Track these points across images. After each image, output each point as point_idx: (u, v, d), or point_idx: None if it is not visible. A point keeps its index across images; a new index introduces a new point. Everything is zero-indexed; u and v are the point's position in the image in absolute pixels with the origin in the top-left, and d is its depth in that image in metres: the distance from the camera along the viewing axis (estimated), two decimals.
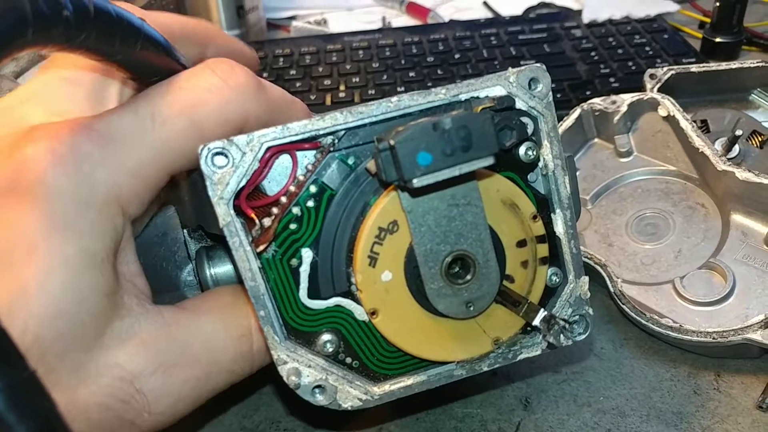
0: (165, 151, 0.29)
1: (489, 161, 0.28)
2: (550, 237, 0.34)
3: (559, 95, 0.69)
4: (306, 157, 0.31)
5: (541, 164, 0.33)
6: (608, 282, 0.46)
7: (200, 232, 0.38)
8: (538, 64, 0.32)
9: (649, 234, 0.51)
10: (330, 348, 0.32)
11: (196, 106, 0.29)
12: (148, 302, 0.30)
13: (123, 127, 0.28)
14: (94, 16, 0.25)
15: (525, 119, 0.32)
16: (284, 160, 0.30)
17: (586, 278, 0.34)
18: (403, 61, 0.77)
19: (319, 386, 0.31)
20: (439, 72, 0.75)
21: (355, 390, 0.32)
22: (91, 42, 0.25)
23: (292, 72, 0.77)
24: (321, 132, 0.30)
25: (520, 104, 0.32)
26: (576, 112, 0.55)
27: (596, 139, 0.57)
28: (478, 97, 0.31)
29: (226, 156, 0.28)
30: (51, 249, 0.26)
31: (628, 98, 0.54)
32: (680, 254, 0.49)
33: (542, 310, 0.32)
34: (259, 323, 0.30)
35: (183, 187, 0.37)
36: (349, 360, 0.33)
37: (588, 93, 0.68)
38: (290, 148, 0.30)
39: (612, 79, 0.70)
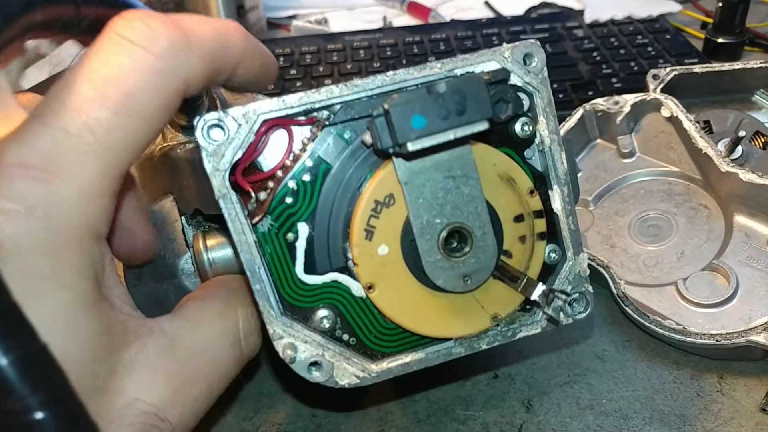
0: (116, 158, 0.26)
1: (483, 125, 0.28)
2: (547, 213, 0.34)
3: (561, 95, 0.69)
4: (302, 132, 0.30)
5: (537, 140, 0.33)
6: (611, 283, 0.46)
7: (198, 218, 0.37)
8: (533, 40, 0.32)
9: (652, 235, 0.50)
10: (326, 324, 0.32)
11: (129, 95, 0.25)
12: (145, 320, 0.29)
13: (60, 152, 0.24)
14: None
15: (521, 95, 0.32)
16: (280, 135, 0.30)
17: (585, 255, 0.34)
18: (404, 61, 0.77)
19: (315, 362, 0.31)
20: None
21: (351, 367, 0.32)
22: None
23: (293, 71, 0.77)
24: (317, 105, 0.29)
25: (515, 79, 0.31)
26: (578, 113, 0.55)
27: (599, 140, 0.57)
28: (473, 72, 0.31)
29: (222, 128, 0.28)
30: (40, 309, 0.23)
31: (630, 99, 0.54)
32: (683, 256, 0.48)
33: (540, 284, 0.32)
34: (255, 297, 0.30)
35: (182, 172, 0.36)
36: (346, 337, 0.32)
37: (590, 93, 0.68)
38: (286, 122, 0.30)
39: (614, 80, 0.70)
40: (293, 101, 0.29)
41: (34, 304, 0.23)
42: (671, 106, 0.52)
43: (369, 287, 0.31)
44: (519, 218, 0.33)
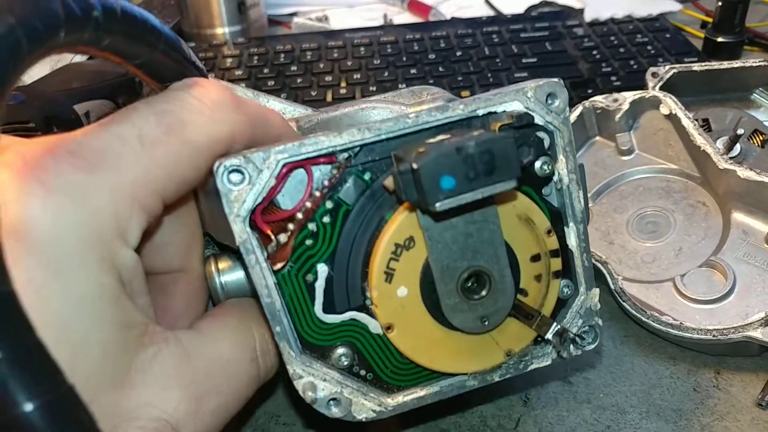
0: (158, 173, 0.27)
1: (512, 184, 0.28)
2: (562, 249, 0.34)
3: None
4: (321, 172, 0.30)
5: (555, 178, 0.33)
6: (609, 279, 0.46)
7: (209, 239, 0.37)
8: (556, 79, 0.31)
9: (650, 232, 0.51)
10: (345, 361, 0.32)
11: (184, 125, 0.28)
12: (164, 330, 0.28)
13: (108, 151, 0.26)
14: (121, 18, 0.25)
15: (541, 134, 0.32)
16: (299, 174, 0.30)
17: (597, 290, 0.35)
18: (404, 58, 0.77)
19: (334, 399, 0.32)
20: (440, 69, 0.74)
21: (369, 402, 0.32)
22: (118, 43, 0.25)
23: (293, 68, 0.77)
24: (338, 148, 0.29)
25: (537, 119, 0.31)
26: (578, 110, 0.55)
27: (598, 137, 0.57)
28: (495, 113, 0.31)
29: (242, 173, 0.28)
30: (65, 291, 0.24)
31: (630, 96, 0.54)
32: (681, 252, 0.49)
33: (555, 323, 0.33)
34: (275, 338, 0.30)
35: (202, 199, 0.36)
36: (363, 372, 0.33)
37: (590, 91, 0.68)
38: (306, 163, 0.30)
39: (614, 78, 0.70)
40: (314, 145, 0.29)
41: (56, 289, 0.23)
42: (670, 104, 0.52)
43: (388, 327, 0.32)
44: (536, 258, 0.33)
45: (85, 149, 0.25)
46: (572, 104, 0.56)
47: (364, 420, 0.32)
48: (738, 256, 0.46)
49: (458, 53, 0.77)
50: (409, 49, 0.79)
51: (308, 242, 0.30)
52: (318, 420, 0.32)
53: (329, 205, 0.30)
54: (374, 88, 0.72)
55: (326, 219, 0.31)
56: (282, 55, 0.80)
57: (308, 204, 0.30)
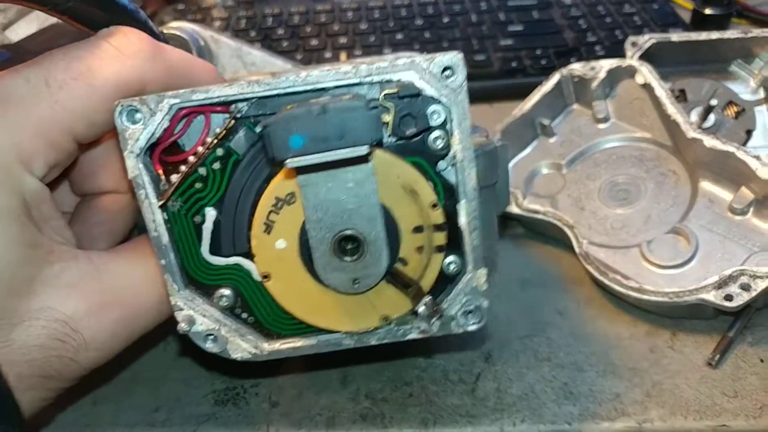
0: (63, 112, 0.30)
1: (362, 151, 0.28)
2: (455, 225, 0.34)
3: (544, 62, 0.69)
4: (218, 121, 0.32)
5: (450, 154, 0.32)
6: (574, 243, 0.48)
7: None
8: (455, 52, 0.31)
9: (621, 199, 0.52)
10: (226, 302, 0.34)
11: (92, 69, 0.30)
12: (75, 249, 0.32)
13: (15, 91, 0.29)
14: None
15: (436, 107, 0.32)
16: (201, 120, 0.32)
17: (484, 270, 0.34)
18: (391, 24, 0.77)
19: (211, 335, 0.34)
20: (427, 35, 0.75)
21: (245, 343, 0.34)
22: None
23: (280, 32, 0.77)
24: (229, 98, 0.31)
25: (432, 92, 0.31)
26: (555, 77, 0.56)
27: (575, 105, 0.58)
28: (391, 81, 0.31)
29: (138, 113, 0.30)
30: None
31: (606, 65, 0.55)
32: (649, 219, 0.50)
33: (427, 296, 0.34)
34: (161, 270, 0.32)
35: None
36: (244, 315, 0.35)
37: (573, 60, 0.68)
38: (204, 110, 0.31)
39: (598, 48, 0.71)
40: (204, 94, 0.30)
41: None
42: (645, 73, 0.52)
43: (265, 276, 0.33)
44: (418, 229, 0.33)
45: None
46: None
47: (239, 359, 0.35)
48: (702, 223, 0.47)
49: (445, 20, 0.77)
50: (396, 15, 0.79)
51: (198, 185, 0.32)
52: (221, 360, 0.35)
53: (220, 152, 0.32)
54: (360, 53, 0.72)
55: (216, 165, 0.32)
56: (270, 19, 0.80)
57: (200, 149, 0.32)
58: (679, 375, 0.41)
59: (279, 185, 0.32)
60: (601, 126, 0.56)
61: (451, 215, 0.33)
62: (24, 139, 0.29)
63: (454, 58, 0.30)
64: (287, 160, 0.28)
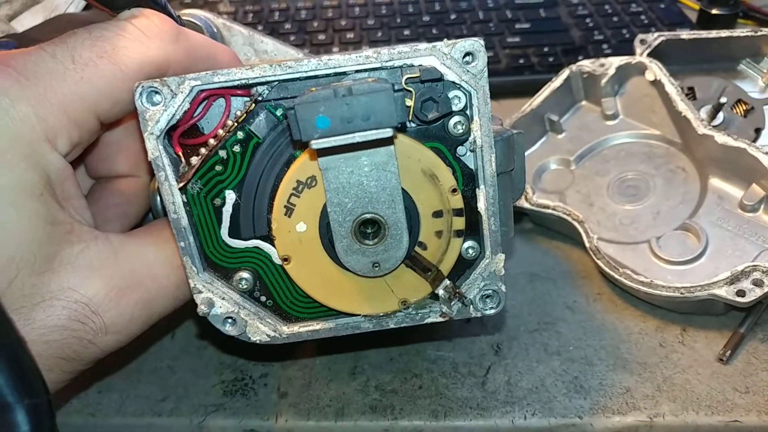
0: (88, 90, 0.30)
1: (387, 133, 0.28)
2: (473, 211, 0.34)
3: (551, 59, 0.69)
4: (238, 104, 0.32)
5: (470, 139, 0.33)
6: (584, 238, 0.47)
7: None
8: (476, 38, 0.31)
9: (630, 195, 0.52)
10: (245, 285, 0.34)
11: (117, 49, 0.30)
12: (94, 230, 0.31)
13: (41, 66, 0.29)
14: None
15: (457, 92, 0.32)
16: (221, 103, 0.32)
17: (502, 255, 0.34)
18: (398, 20, 0.77)
19: (230, 318, 0.34)
20: (434, 32, 0.75)
21: (264, 326, 0.34)
22: None
23: (287, 26, 0.77)
24: (250, 81, 0.30)
25: (453, 77, 0.31)
26: (564, 74, 0.56)
27: (584, 102, 0.58)
28: (412, 65, 0.31)
29: (159, 95, 0.30)
30: None
31: (616, 61, 0.55)
32: (658, 216, 0.50)
33: (447, 279, 0.34)
34: (180, 253, 0.32)
35: None
36: (263, 298, 0.35)
37: (580, 58, 0.68)
38: (225, 93, 0.31)
39: (605, 46, 0.71)
40: (226, 77, 0.30)
41: None
42: (655, 70, 0.52)
43: (285, 259, 0.33)
44: (438, 214, 0.33)
45: (20, 63, 0.29)
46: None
47: (258, 342, 0.35)
48: (712, 220, 0.47)
49: (452, 16, 0.77)
50: (403, 11, 0.79)
51: (218, 168, 0.32)
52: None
53: (240, 135, 0.32)
54: (367, 48, 0.72)
55: (237, 148, 0.32)
56: (276, 13, 0.80)
57: (221, 131, 0.32)
58: (690, 370, 0.41)
59: (300, 168, 0.32)
60: (610, 122, 0.56)
61: (469, 201, 0.34)
62: (50, 114, 0.29)
63: (475, 43, 0.31)
64: (312, 141, 0.28)
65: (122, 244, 0.32)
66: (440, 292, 0.34)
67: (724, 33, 0.56)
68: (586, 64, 0.55)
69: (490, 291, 0.35)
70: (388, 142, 0.30)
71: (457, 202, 0.33)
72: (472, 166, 0.33)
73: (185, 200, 0.32)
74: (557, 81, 0.56)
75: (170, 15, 0.34)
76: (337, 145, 0.28)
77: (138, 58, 0.31)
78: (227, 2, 0.84)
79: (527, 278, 0.48)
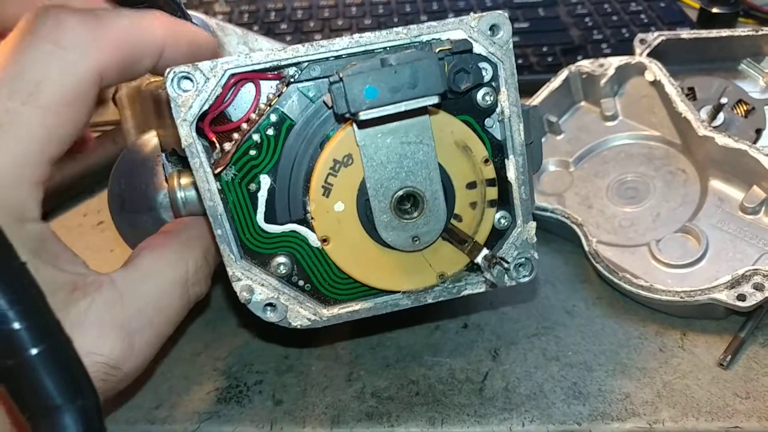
0: (31, 148, 0.26)
1: (434, 100, 0.29)
2: (502, 181, 0.35)
3: (550, 59, 0.69)
4: (269, 87, 0.31)
5: (498, 110, 0.33)
6: (584, 241, 0.47)
7: (177, 156, 0.38)
8: (500, 11, 0.32)
9: (629, 197, 0.51)
10: (283, 270, 0.34)
11: (38, 86, 0.26)
12: (95, 274, 0.30)
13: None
14: None
15: (484, 64, 0.32)
16: (249, 88, 0.31)
17: (534, 223, 0.35)
18: (395, 20, 0.77)
19: (270, 304, 0.34)
20: None
21: (304, 311, 0.34)
22: None
23: (283, 26, 0.76)
24: (282, 63, 0.30)
25: (480, 49, 0.32)
26: (563, 74, 0.55)
27: (583, 103, 0.57)
28: (440, 40, 0.31)
29: (191, 80, 0.29)
30: None
31: (615, 62, 0.54)
32: (658, 218, 0.49)
33: (485, 249, 0.34)
34: (216, 241, 0.32)
35: (165, 112, 0.37)
36: (301, 282, 0.35)
37: (579, 58, 0.67)
38: (254, 76, 0.31)
39: (604, 45, 0.70)
40: (259, 58, 0.30)
41: None
42: (655, 70, 0.52)
43: (324, 240, 0.33)
44: (472, 185, 0.34)
45: None
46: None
47: (299, 327, 0.34)
48: (712, 222, 0.46)
49: (450, 16, 0.76)
50: (400, 11, 0.78)
51: (252, 152, 0.32)
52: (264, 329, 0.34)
53: (273, 118, 0.32)
54: None
55: (270, 132, 0.32)
56: (272, 13, 0.79)
57: (253, 116, 0.31)
58: (690, 375, 0.40)
59: (336, 147, 0.32)
60: (609, 123, 0.56)
61: (498, 171, 0.34)
62: (10, 195, 0.26)
63: (500, 16, 0.32)
64: (361, 113, 0.28)
65: (126, 282, 0.30)
66: (479, 260, 0.34)
67: (724, 32, 0.56)
68: (585, 65, 0.55)
69: (523, 259, 0.36)
70: (423, 112, 0.31)
71: (490, 172, 0.34)
72: (499, 137, 0.34)
73: (219, 187, 0.32)
74: (556, 81, 0.55)
75: (181, 10, 0.33)
76: (385, 115, 0.28)
77: (61, 90, 0.27)
78: (223, 2, 0.83)
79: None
